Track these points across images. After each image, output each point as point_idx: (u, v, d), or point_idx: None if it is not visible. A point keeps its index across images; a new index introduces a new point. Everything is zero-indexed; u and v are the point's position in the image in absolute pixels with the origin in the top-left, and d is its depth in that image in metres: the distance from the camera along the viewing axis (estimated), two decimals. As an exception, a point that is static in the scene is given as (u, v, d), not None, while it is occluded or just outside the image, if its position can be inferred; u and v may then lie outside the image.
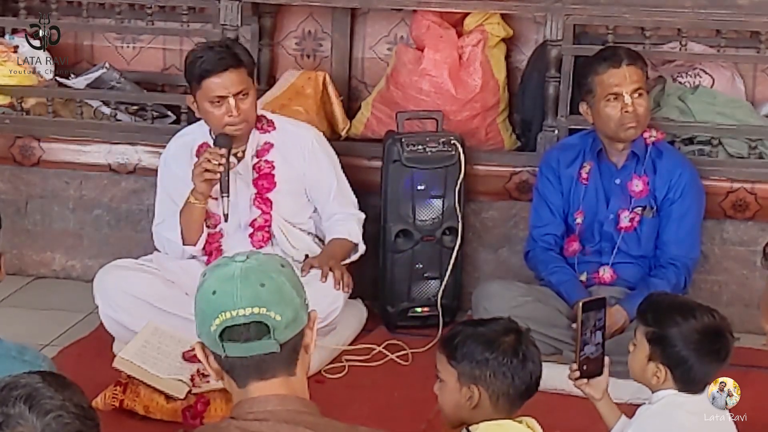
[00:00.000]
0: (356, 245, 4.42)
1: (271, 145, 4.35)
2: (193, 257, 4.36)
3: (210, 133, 4.31)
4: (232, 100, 4.15)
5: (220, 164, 4.12)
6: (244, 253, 2.20)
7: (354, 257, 4.41)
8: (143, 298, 4.20)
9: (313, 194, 4.43)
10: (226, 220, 4.22)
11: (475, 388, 2.67)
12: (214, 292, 2.13)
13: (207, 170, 4.13)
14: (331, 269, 4.22)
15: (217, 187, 4.19)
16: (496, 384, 2.66)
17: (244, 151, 4.33)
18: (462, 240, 4.61)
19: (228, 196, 4.17)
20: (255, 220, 4.34)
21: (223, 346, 2.12)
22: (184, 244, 4.29)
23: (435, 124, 4.69)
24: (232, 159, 4.25)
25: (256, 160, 4.34)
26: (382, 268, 4.64)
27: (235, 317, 2.10)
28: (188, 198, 4.22)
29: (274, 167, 4.34)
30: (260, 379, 2.16)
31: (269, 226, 4.34)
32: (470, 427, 2.63)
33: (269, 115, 4.43)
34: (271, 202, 4.34)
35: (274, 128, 4.37)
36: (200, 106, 4.23)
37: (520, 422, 2.64)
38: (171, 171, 4.41)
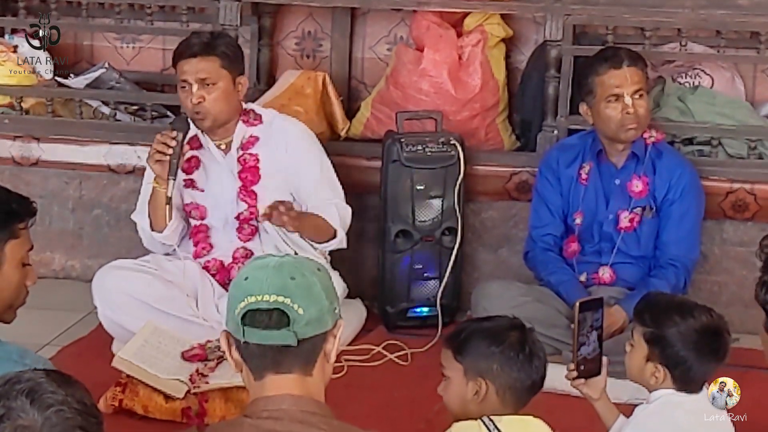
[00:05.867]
0: (335, 231, 4.29)
1: (257, 139, 4.35)
2: (168, 245, 4.37)
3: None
4: (195, 87, 4.20)
5: (169, 146, 4.15)
6: (285, 253, 2.29)
7: (332, 245, 4.30)
8: (142, 299, 4.20)
9: (296, 187, 4.38)
10: (168, 203, 4.21)
11: (482, 382, 2.67)
12: (246, 278, 2.19)
13: (157, 151, 4.16)
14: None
15: (210, 179, 4.19)
16: (503, 377, 2.67)
17: (229, 144, 4.34)
18: (461, 240, 4.61)
19: (174, 179, 4.18)
20: (241, 213, 4.34)
21: (243, 330, 2.16)
22: (151, 230, 4.31)
23: (434, 124, 4.69)
24: (201, 146, 4.30)
25: (240, 152, 4.34)
26: (382, 268, 4.63)
27: (259, 302, 2.15)
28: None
29: (258, 160, 4.33)
30: (276, 372, 2.18)
31: (255, 218, 4.33)
32: (492, 417, 2.62)
33: (258, 110, 4.43)
34: (255, 195, 4.33)
35: (261, 122, 4.38)
36: (178, 92, 4.30)
37: None
38: None
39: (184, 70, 4.23)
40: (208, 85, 4.20)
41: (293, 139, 4.38)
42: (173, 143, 4.16)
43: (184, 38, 4.36)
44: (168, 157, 4.15)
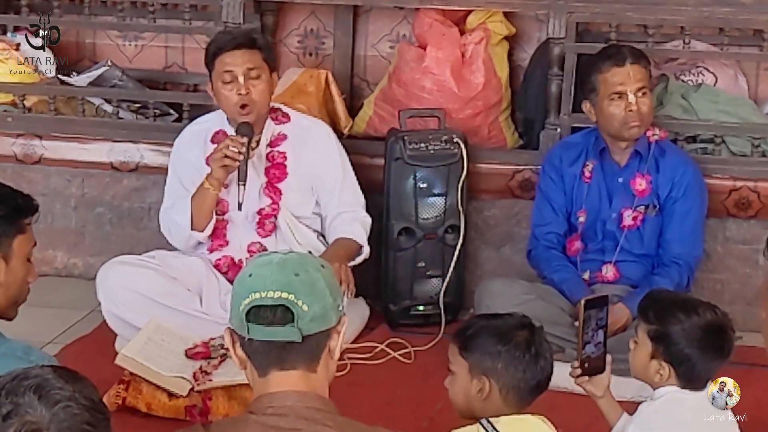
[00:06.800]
0: (361, 247, 4.39)
1: (285, 137, 4.37)
2: (200, 243, 4.37)
3: (227, 121, 4.33)
4: (241, 78, 4.18)
5: (240, 152, 4.14)
6: (289, 250, 2.28)
7: (358, 260, 4.37)
8: (146, 294, 4.20)
9: (319, 189, 4.42)
10: (239, 209, 4.23)
11: (485, 380, 2.66)
12: (250, 275, 2.20)
13: (227, 156, 4.14)
14: None
15: (233, 174, 4.21)
16: (507, 377, 2.66)
17: (258, 141, 4.34)
18: (464, 238, 4.61)
19: (244, 185, 4.19)
20: (263, 209, 4.34)
21: (248, 327, 2.16)
22: (192, 229, 4.30)
23: (437, 122, 4.69)
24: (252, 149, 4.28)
25: (269, 149, 4.36)
26: (385, 266, 4.63)
27: (264, 298, 2.15)
28: (203, 183, 4.24)
29: (286, 158, 4.36)
30: (280, 369, 2.18)
31: (276, 215, 4.34)
32: (491, 419, 2.62)
33: (285, 109, 4.45)
34: (280, 192, 4.34)
35: (289, 120, 4.40)
36: (215, 89, 4.26)
37: None
38: (183, 156, 4.43)
39: (227, 62, 4.20)
40: (253, 77, 4.20)
41: (320, 140, 4.41)
42: (243, 149, 4.15)
43: (214, 37, 4.36)
44: (237, 164, 4.15)
